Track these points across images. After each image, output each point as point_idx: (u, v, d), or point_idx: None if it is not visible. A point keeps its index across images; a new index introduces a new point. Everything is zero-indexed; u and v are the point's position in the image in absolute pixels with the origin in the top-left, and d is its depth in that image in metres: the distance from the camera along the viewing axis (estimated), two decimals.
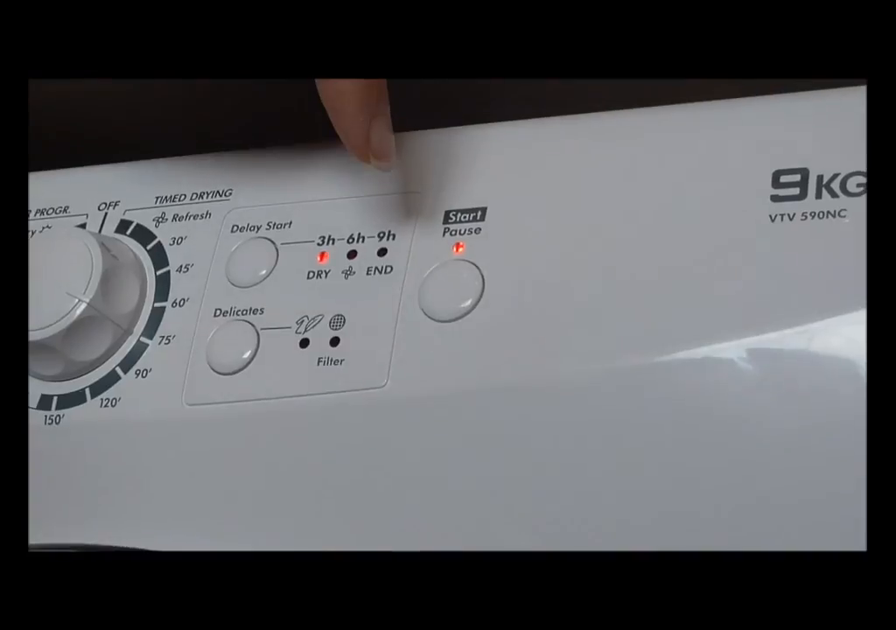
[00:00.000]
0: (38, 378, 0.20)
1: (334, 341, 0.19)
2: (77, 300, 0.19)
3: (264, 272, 0.20)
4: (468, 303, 0.18)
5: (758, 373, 0.17)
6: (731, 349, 0.17)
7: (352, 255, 0.19)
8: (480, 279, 0.18)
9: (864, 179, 0.18)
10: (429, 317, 0.18)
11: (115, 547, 0.20)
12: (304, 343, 0.19)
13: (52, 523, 0.20)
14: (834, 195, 0.18)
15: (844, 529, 0.17)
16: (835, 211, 0.18)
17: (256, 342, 0.19)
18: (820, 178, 0.18)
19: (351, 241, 0.20)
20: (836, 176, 0.18)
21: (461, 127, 0.20)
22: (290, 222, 0.20)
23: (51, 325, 0.19)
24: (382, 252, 0.19)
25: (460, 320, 0.18)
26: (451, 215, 0.19)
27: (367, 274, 0.19)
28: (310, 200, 0.20)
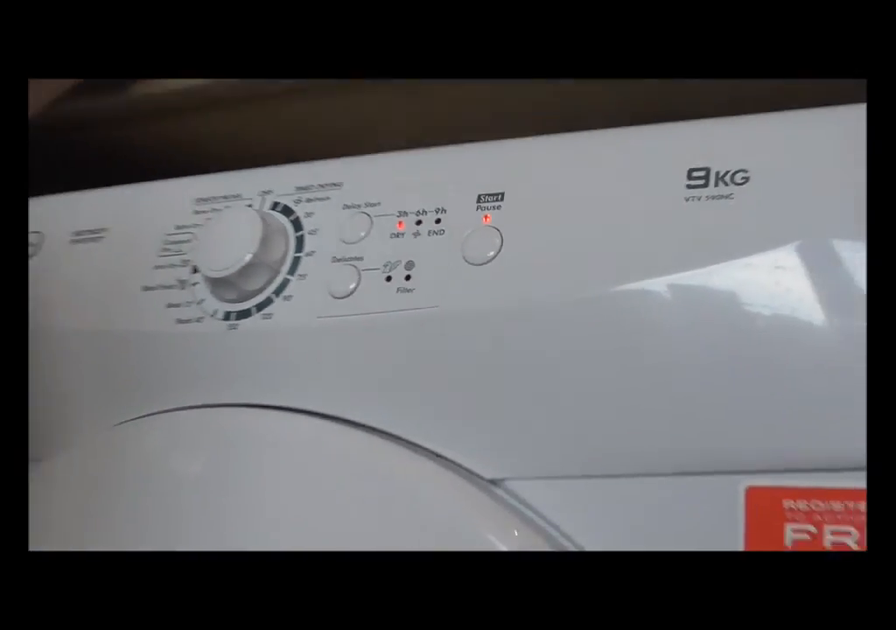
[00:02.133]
0: (222, 301, 0.32)
1: (407, 278, 0.30)
2: (247, 252, 0.31)
3: (363, 234, 0.31)
4: (491, 254, 0.29)
5: (678, 300, 0.27)
6: (661, 282, 0.27)
7: (419, 223, 0.30)
8: (500, 239, 0.29)
9: (745, 174, 0.28)
10: (467, 262, 0.29)
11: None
12: (388, 279, 0.30)
13: (228, 394, 0.32)
14: (726, 184, 0.28)
15: None
16: (726, 194, 0.28)
17: (358, 278, 0.30)
18: (717, 173, 0.28)
19: (418, 213, 0.31)
20: (727, 172, 0.28)
21: (487, 143, 0.31)
22: (380, 202, 0.31)
23: (230, 267, 0.31)
24: (438, 221, 0.30)
25: (487, 265, 0.29)
26: (481, 197, 0.30)
27: (429, 235, 0.30)
28: (392, 186, 0.31)
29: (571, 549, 0.28)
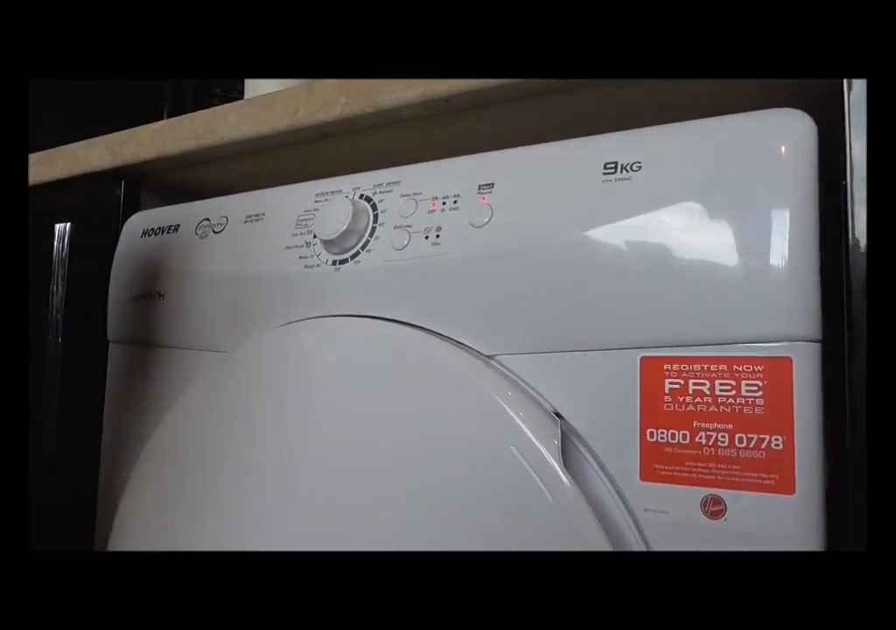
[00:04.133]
0: (330, 253, 0.53)
1: (437, 237, 0.49)
2: (343, 224, 0.52)
3: (412, 211, 0.51)
4: (486, 220, 0.48)
5: (603, 240, 0.45)
6: (594, 231, 0.46)
7: (443, 204, 0.50)
8: (491, 212, 0.48)
9: (639, 164, 0.45)
10: (472, 226, 0.48)
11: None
12: (426, 238, 0.50)
13: (334, 309, 0.53)
14: (628, 171, 0.45)
15: None
16: (626, 177, 0.45)
17: (409, 238, 0.50)
18: (623, 165, 0.46)
19: (444, 198, 0.50)
20: (628, 163, 0.45)
21: (483, 153, 0.50)
22: (421, 192, 0.51)
23: (334, 233, 0.52)
24: (455, 202, 0.50)
25: (483, 227, 0.48)
26: (480, 187, 0.49)
27: (450, 211, 0.50)
28: (429, 182, 0.51)
29: (543, 403, 0.46)
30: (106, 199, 0.74)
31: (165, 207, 0.67)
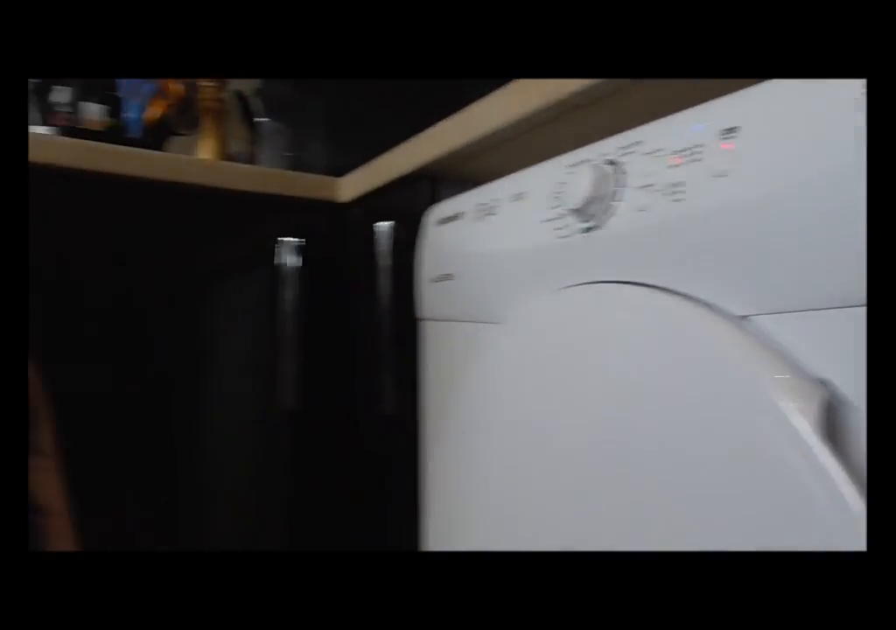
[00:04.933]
0: (580, 221, 0.54)
1: (681, 192, 0.48)
2: (586, 191, 0.53)
3: (655, 170, 0.50)
4: (730, 168, 0.45)
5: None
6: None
7: (685, 157, 0.48)
8: (735, 158, 0.45)
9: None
10: (715, 175, 0.46)
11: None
12: (670, 194, 0.48)
13: (586, 276, 0.54)
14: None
15: None
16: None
17: (651, 198, 0.49)
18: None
19: (684, 151, 0.48)
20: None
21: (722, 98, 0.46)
22: (663, 148, 0.49)
23: (579, 201, 0.53)
24: (697, 153, 0.47)
25: (727, 176, 0.45)
26: (723, 133, 0.46)
27: (691, 164, 0.47)
28: (669, 136, 0.49)
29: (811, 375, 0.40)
30: (416, 197, 0.86)
31: (453, 198, 0.75)
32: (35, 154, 0.72)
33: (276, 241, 0.97)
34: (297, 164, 1.25)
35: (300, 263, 0.97)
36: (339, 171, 1.04)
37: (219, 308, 0.96)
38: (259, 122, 1.31)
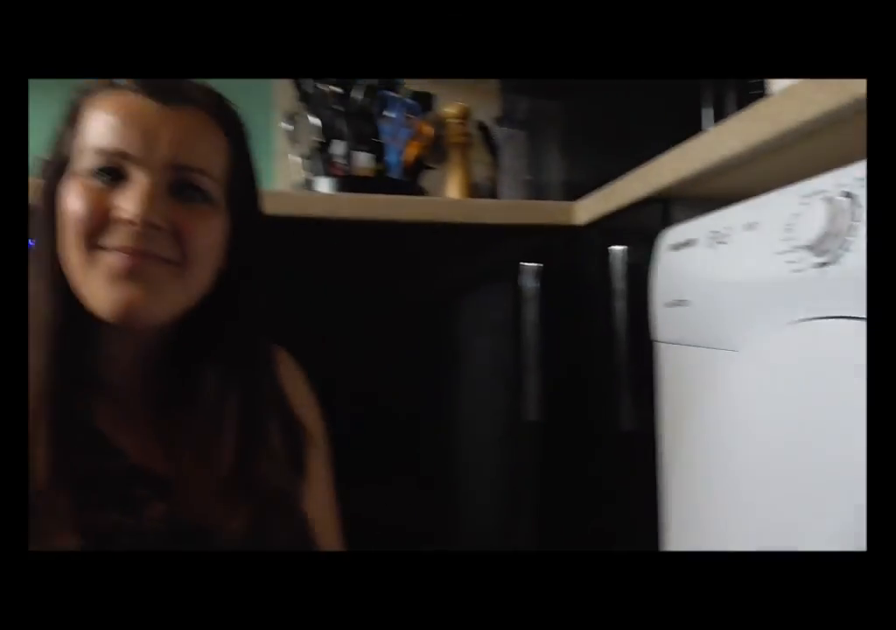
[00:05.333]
0: (814, 256, 0.54)
1: None
2: (819, 227, 0.52)
3: None
4: None
5: None
6: None
7: None
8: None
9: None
10: None
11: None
12: None
13: (820, 309, 0.53)
14: None
15: None
16: None
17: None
18: None
19: None
20: None
21: None
22: None
23: (812, 237, 0.53)
24: None
25: None
26: None
27: None
28: None
29: None
30: (649, 220, 0.88)
31: (684, 224, 0.77)
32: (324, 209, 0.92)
33: (518, 264, 1.05)
34: (535, 185, 1.33)
35: (539, 284, 1.05)
36: (575, 187, 1.10)
37: (466, 326, 1.07)
38: (499, 148, 1.41)
